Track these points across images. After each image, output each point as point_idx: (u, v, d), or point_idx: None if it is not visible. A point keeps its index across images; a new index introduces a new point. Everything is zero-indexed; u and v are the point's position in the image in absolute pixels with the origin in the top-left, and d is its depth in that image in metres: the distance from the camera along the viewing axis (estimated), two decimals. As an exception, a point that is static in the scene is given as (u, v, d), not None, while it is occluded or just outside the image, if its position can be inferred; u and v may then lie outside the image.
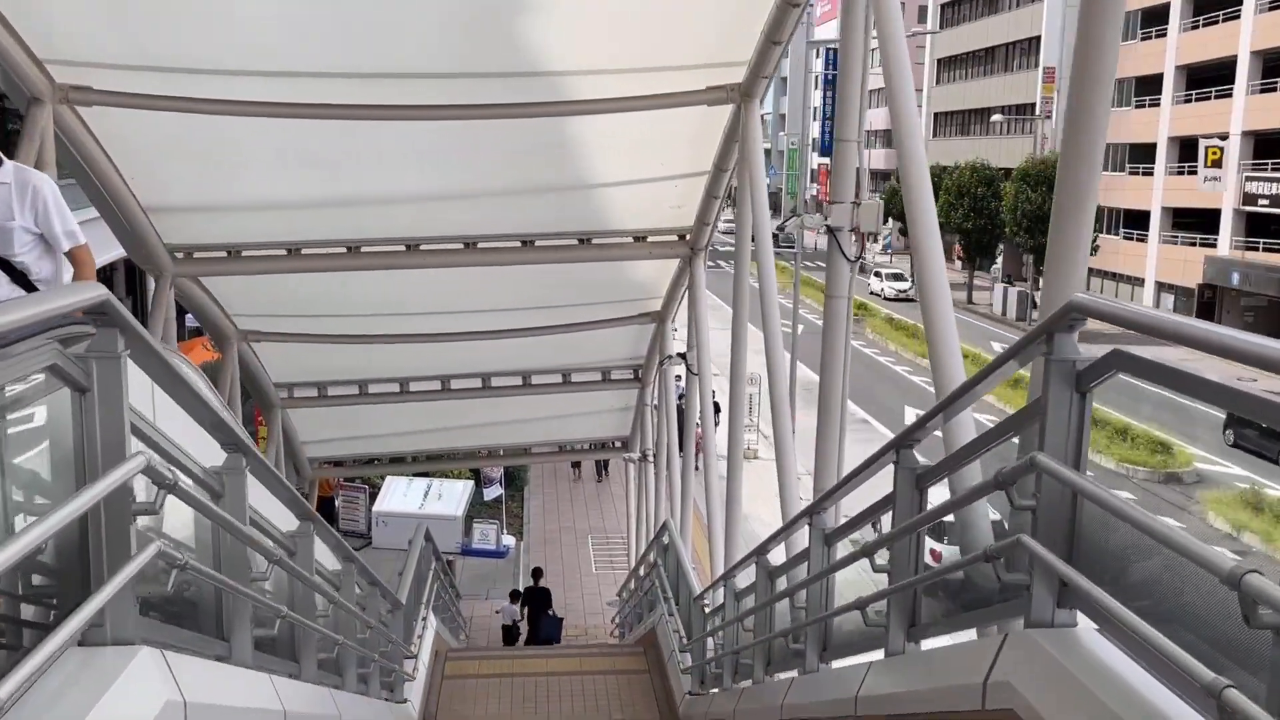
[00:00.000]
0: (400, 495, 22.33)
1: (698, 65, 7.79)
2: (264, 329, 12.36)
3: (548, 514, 24.17)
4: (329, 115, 7.83)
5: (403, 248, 10.07)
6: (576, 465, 25.59)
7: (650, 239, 10.35)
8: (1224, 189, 46.84)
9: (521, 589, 17.97)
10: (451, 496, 22.31)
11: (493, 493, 22.94)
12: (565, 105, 8.08)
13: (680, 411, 13.18)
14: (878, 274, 60.28)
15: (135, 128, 8.03)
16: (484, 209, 9.91)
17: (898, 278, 59.73)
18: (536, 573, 17.72)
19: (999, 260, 61.51)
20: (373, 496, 22.58)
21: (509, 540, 21.75)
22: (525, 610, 16.88)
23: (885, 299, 57.14)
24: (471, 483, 22.93)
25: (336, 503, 22.53)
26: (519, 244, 10.21)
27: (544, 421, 16.65)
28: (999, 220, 54.73)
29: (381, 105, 7.74)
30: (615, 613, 17.17)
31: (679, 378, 13.47)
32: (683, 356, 10.84)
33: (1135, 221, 54.14)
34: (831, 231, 5.63)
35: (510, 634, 17.20)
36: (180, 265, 9.86)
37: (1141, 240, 53.55)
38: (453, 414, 15.67)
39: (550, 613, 16.61)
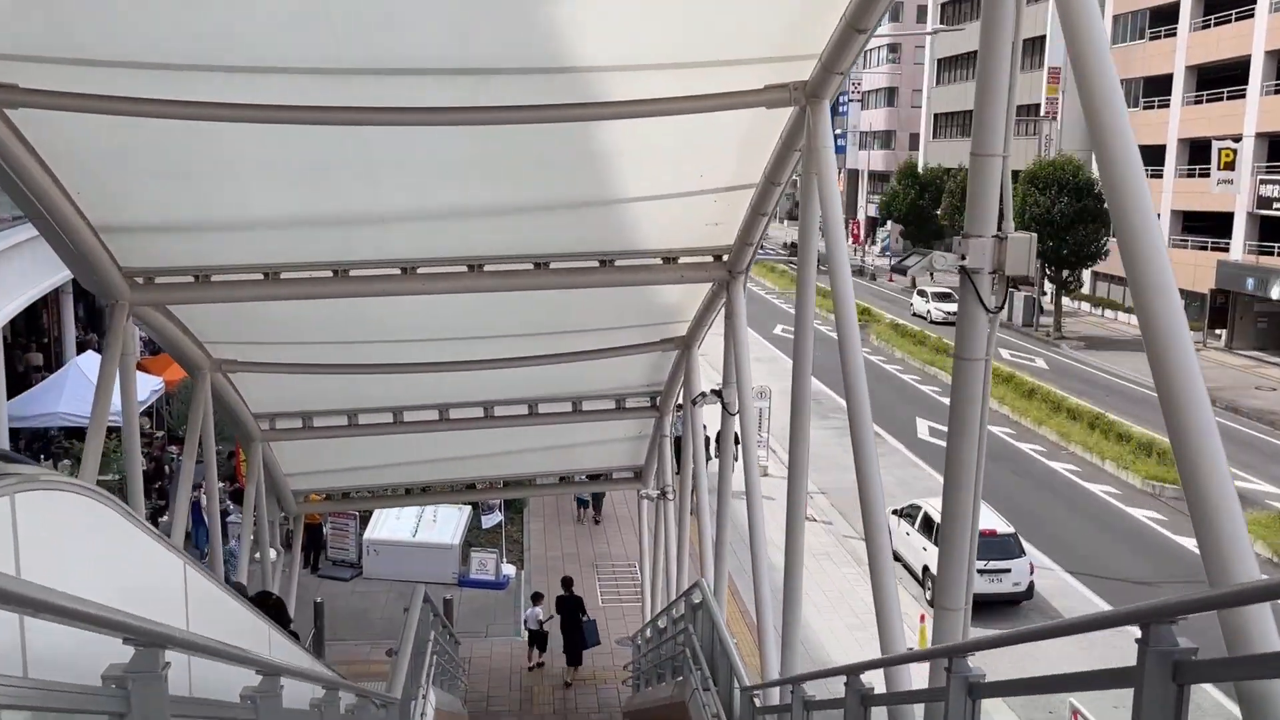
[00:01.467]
0: (392, 522, 21.02)
1: (754, 60, 6.47)
2: (241, 358, 11.03)
3: (549, 540, 22.82)
4: (312, 119, 6.49)
5: (398, 271, 8.74)
6: (584, 505, 24.04)
7: (682, 260, 9.03)
8: (1237, 192, 45.67)
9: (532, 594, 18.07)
10: (447, 523, 20.99)
11: (492, 520, 21.60)
12: (592, 108, 6.75)
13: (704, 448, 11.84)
14: (921, 292, 53.63)
15: (78, 133, 6.68)
16: (491, 227, 8.58)
17: (945, 298, 52.05)
18: (567, 581, 17.60)
19: (1002, 264, 60.18)
20: (364, 523, 21.23)
21: (509, 570, 20.42)
22: (560, 619, 16.91)
23: (932, 322, 50.55)
24: (469, 508, 21.60)
25: (325, 530, 21.16)
26: (531, 266, 8.89)
27: (549, 451, 15.32)
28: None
29: (374, 108, 6.41)
30: (630, 661, 15.89)
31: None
32: (717, 394, 9.51)
33: (1144, 225, 52.91)
34: (967, 275, 4.31)
35: (537, 639, 17.20)
36: (139, 292, 8.51)
37: (1150, 244, 52.36)
38: (450, 444, 14.34)
39: (585, 618, 16.79)
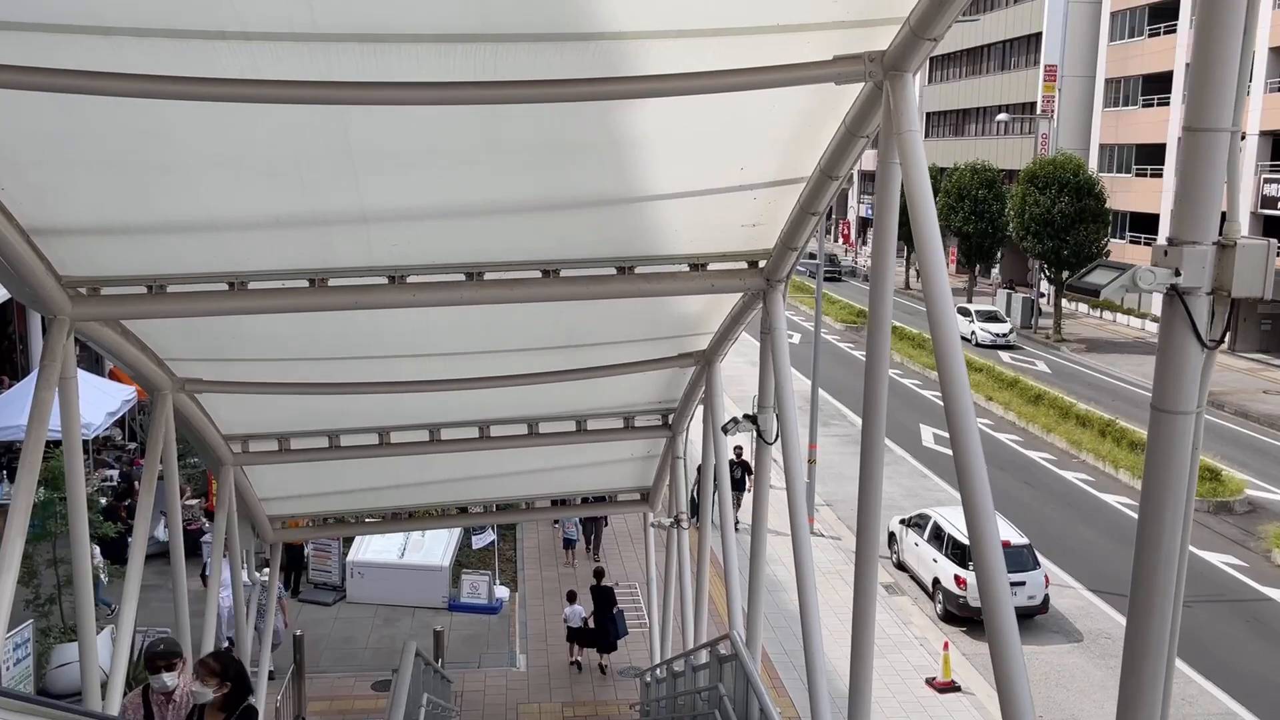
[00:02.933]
0: (378, 542, 19.82)
1: (819, 25, 5.30)
2: (208, 376, 9.80)
3: (544, 560, 21.60)
4: (283, 98, 5.29)
5: (384, 279, 7.55)
6: (571, 544, 21.84)
7: (712, 267, 7.84)
8: (1240, 191, 44.83)
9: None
10: (436, 544, 19.80)
11: (483, 540, 20.42)
12: (618, 84, 5.56)
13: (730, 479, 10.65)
14: (963, 311, 46.88)
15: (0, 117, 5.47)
16: (493, 228, 7.39)
17: (993, 318, 47.99)
18: (599, 572, 18.13)
19: (998, 265, 59.41)
20: (348, 543, 19.99)
21: (502, 592, 19.20)
22: (592, 611, 17.54)
23: (978, 345, 45.52)
24: (459, 529, 20.39)
25: (306, 551, 19.91)
26: (539, 274, 7.69)
27: (548, 474, 14.11)
28: (1000, 223, 52.63)
29: (354, 83, 5.22)
30: (636, 702, 14.70)
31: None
32: (752, 420, 8.33)
33: (1143, 225, 52.11)
34: (1179, 296, 3.14)
35: (581, 634, 17.68)
36: (83, 305, 7.27)
37: (1150, 244, 51.47)
38: (441, 466, 13.13)
39: (615, 609, 17.25)
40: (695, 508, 16.25)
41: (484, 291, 7.66)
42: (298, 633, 15.99)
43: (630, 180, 6.89)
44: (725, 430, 8.80)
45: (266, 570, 14.90)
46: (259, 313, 7.71)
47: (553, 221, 7.39)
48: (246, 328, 8.94)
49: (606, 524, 21.72)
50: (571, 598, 18.12)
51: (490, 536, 20.34)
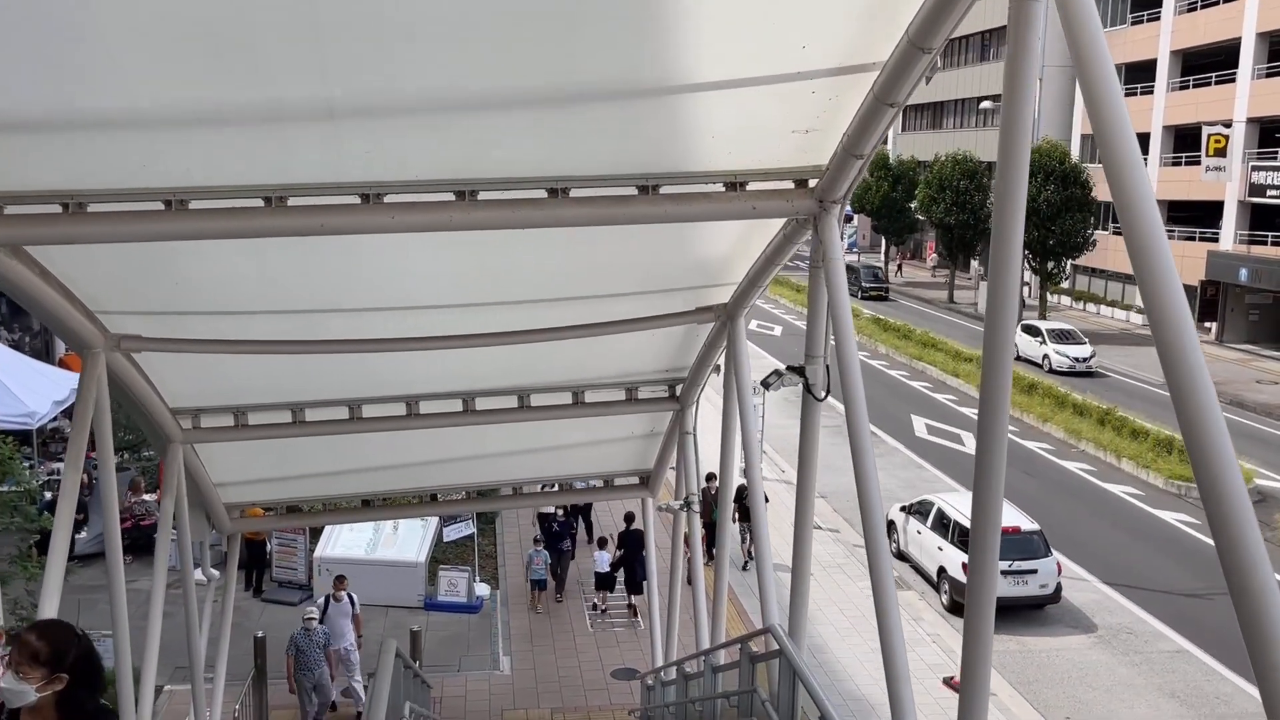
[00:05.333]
0: (348, 536, 18.38)
1: None
2: (147, 331, 8.36)
3: (526, 551, 20.15)
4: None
5: (356, 198, 6.19)
6: (540, 586, 18.36)
7: (751, 186, 6.51)
8: (1229, 179, 44.08)
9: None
10: (411, 537, 18.39)
11: (457, 532, 19.01)
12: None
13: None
14: (1031, 330, 39.61)
15: None
16: (490, 133, 6.05)
17: (1067, 337, 39.32)
18: (629, 517, 18.21)
19: (977, 257, 58.55)
20: (315, 538, 18.53)
21: (483, 590, 17.79)
22: (623, 554, 18.11)
23: (1051, 372, 37.26)
24: (435, 520, 18.97)
25: (269, 547, 18.43)
26: (544, 193, 6.36)
27: (537, 454, 12.76)
28: (982, 214, 51.72)
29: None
30: (636, 707, 13.35)
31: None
32: (798, 371, 7.00)
33: (1127, 216, 51.26)
34: None
35: (607, 581, 18.30)
36: (-19, 229, 5.89)
37: (1134, 235, 50.67)
38: (418, 445, 11.74)
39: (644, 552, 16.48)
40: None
41: (477, 214, 6.31)
42: (259, 634, 14.53)
43: (661, 61, 5.55)
44: (766, 385, 7.45)
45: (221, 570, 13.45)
46: (204, 237, 6.31)
47: (564, 124, 6.06)
48: (192, 270, 7.56)
49: (573, 556, 19.36)
50: (602, 544, 18.91)
51: (468, 529, 18.91)
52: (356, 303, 8.37)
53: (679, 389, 11.07)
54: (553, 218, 6.43)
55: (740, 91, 5.81)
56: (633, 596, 18.18)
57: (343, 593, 15.07)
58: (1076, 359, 37.82)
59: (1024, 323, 39.28)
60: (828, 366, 6.93)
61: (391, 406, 10.60)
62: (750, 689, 7.23)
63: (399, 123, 5.86)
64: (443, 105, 5.72)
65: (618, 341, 10.07)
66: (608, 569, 18.25)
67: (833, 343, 6.44)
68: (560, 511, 19.23)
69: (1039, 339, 39.11)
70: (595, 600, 18.46)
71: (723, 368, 9.47)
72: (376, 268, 7.71)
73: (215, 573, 13.74)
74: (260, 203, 6.15)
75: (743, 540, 19.69)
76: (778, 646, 7.05)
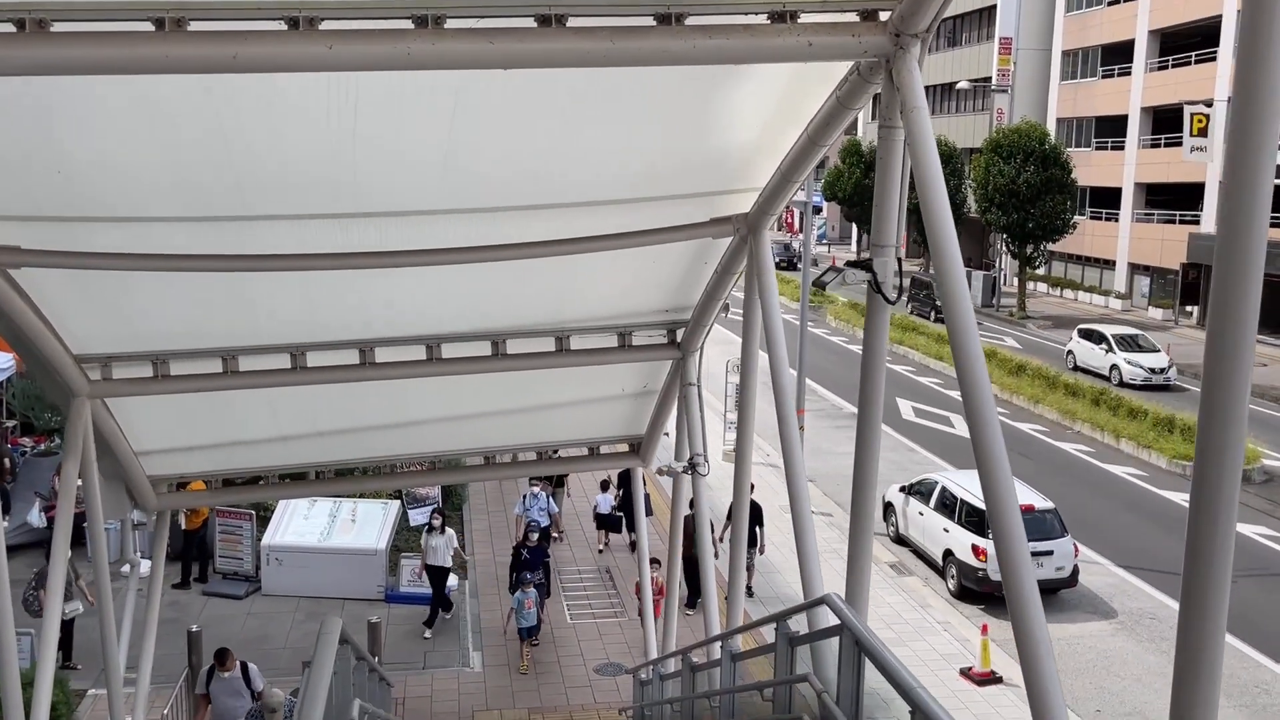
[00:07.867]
0: (299, 523, 16.66)
1: None
2: (29, 242, 6.69)
3: (497, 541, 18.54)
4: None
5: (281, 23, 4.60)
6: (530, 636, 14.50)
7: (805, 19, 4.97)
8: (1210, 160, 43.15)
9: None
10: (370, 523, 16.71)
11: (422, 515, 17.36)
12: None
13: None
14: (1093, 335, 34.44)
15: None
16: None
17: (1137, 344, 33.26)
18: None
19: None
20: (262, 524, 16.79)
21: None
22: (620, 494, 18.00)
23: (1122, 385, 31.45)
24: (396, 504, 17.32)
25: (204, 533, 16.64)
26: (532, 21, 4.79)
27: (512, 417, 11.14)
28: (958, 199, 50.62)
29: None
30: (628, 705, 11.76)
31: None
32: (864, 266, 5.46)
33: (1104, 199, 50.37)
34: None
35: (607, 522, 18.27)
36: None
37: (1112, 219, 49.76)
38: (374, 405, 10.13)
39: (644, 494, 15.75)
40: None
41: (443, 45, 4.73)
42: (193, 628, 12.81)
43: None
44: (821, 285, 5.72)
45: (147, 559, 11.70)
46: (73, 72, 4.66)
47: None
48: (80, 151, 5.89)
49: (549, 593, 15.58)
50: (604, 486, 18.64)
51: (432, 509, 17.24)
52: (293, 207, 6.74)
53: (680, 334, 9.50)
54: (542, 53, 4.85)
55: None
56: (631, 535, 17.55)
57: (232, 671, 10.99)
58: (1152, 370, 31.89)
59: (1081, 327, 35.74)
60: (899, 259, 5.41)
61: (342, 354, 8.97)
62: (800, 676, 5.67)
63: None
64: None
65: (609, 272, 8.51)
66: (609, 510, 18.17)
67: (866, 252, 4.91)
68: (534, 536, 15.51)
69: (1104, 346, 33.26)
70: (601, 542, 18.58)
71: (745, 296, 7.90)
72: (315, 145, 6.06)
73: (141, 560, 12.05)
74: (149, 26, 4.54)
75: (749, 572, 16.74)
76: (830, 623, 5.50)
